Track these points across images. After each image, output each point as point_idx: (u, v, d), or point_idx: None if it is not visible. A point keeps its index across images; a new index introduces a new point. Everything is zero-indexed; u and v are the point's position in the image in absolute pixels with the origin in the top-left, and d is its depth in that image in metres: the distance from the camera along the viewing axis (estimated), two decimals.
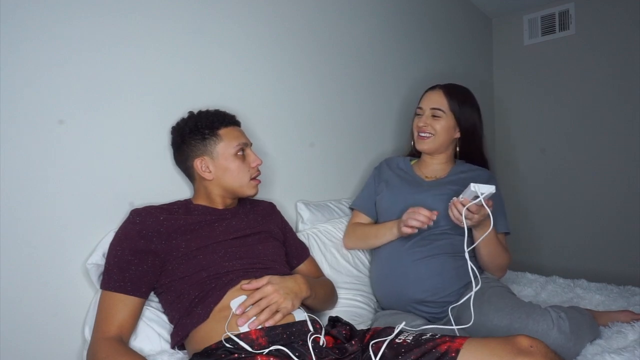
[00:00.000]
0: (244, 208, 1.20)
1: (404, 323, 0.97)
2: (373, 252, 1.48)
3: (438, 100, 1.43)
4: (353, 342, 0.93)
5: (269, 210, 1.27)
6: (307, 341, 0.88)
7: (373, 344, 0.91)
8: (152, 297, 1.03)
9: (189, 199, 1.16)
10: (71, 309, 0.98)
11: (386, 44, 2.01)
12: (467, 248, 1.11)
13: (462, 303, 1.17)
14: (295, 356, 0.84)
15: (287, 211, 1.50)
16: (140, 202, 1.10)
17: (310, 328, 0.93)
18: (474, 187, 1.06)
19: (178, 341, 0.96)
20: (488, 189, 1.06)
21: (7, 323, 0.89)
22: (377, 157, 1.87)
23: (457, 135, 1.46)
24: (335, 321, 1.03)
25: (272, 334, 0.88)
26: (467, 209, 1.10)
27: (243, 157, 1.12)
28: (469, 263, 1.08)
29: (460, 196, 1.12)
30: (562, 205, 2.69)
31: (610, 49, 2.49)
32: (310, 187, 1.63)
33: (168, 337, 1.00)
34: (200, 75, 1.27)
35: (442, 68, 2.39)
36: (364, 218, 1.50)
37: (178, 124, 1.14)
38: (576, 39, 2.61)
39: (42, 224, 0.95)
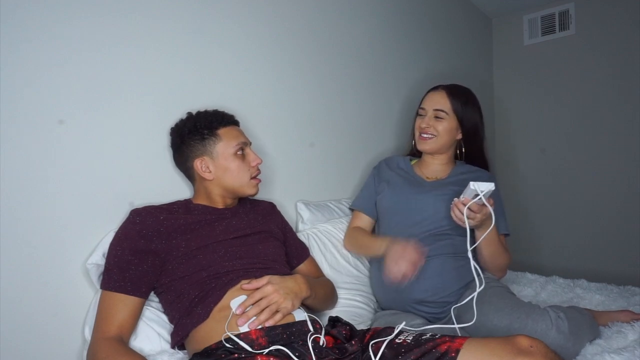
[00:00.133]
0: (244, 207, 1.20)
1: (404, 323, 0.97)
2: None
3: (441, 101, 1.43)
4: (353, 342, 0.93)
5: (269, 210, 1.27)
6: (307, 341, 0.88)
7: (373, 344, 0.91)
8: (152, 297, 1.03)
9: (189, 199, 1.16)
10: (71, 309, 0.98)
11: (386, 44, 2.01)
12: (470, 247, 1.11)
13: (463, 303, 1.17)
14: (295, 356, 0.84)
15: (287, 211, 1.50)
16: (140, 202, 1.10)
17: (310, 328, 0.93)
18: (473, 185, 1.06)
19: (178, 341, 0.96)
20: (487, 187, 1.05)
21: (7, 323, 0.89)
22: (377, 157, 1.87)
23: (459, 136, 1.46)
24: (335, 321, 1.03)
25: (272, 334, 0.88)
26: (469, 208, 1.10)
27: (243, 157, 1.12)
28: (472, 262, 1.08)
29: (461, 196, 1.12)
30: (562, 205, 2.69)
31: (610, 49, 2.49)
32: (310, 187, 1.63)
33: (168, 337, 1.00)
34: (200, 75, 1.27)
35: (442, 68, 2.39)
36: (364, 218, 1.50)
37: (177, 125, 1.14)
38: (576, 39, 2.61)
39: (42, 224, 0.95)
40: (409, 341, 0.90)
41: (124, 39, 1.09)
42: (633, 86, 2.41)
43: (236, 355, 0.82)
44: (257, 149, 1.31)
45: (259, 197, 1.24)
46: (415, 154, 1.58)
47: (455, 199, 1.14)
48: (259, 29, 1.44)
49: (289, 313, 0.95)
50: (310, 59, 1.63)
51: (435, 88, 1.49)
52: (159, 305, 1.04)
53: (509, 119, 2.90)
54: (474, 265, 1.07)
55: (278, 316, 0.92)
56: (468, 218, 1.11)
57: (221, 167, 1.10)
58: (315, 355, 0.85)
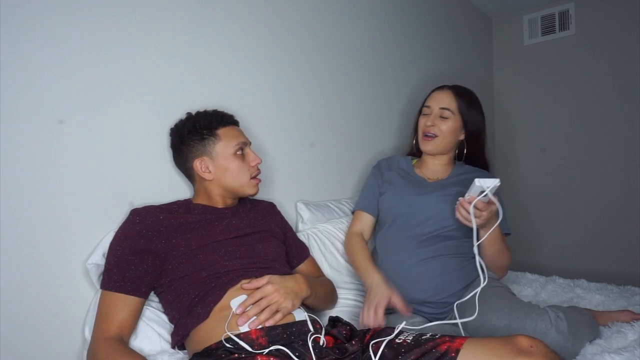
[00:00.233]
0: (244, 207, 1.20)
1: (404, 323, 0.97)
2: (373, 252, 1.47)
3: (447, 100, 1.43)
4: (353, 342, 0.92)
5: (269, 210, 1.27)
6: (307, 341, 0.88)
7: (373, 344, 0.91)
8: (152, 297, 1.03)
9: (189, 199, 1.16)
10: (71, 309, 0.98)
11: (386, 44, 2.01)
12: (476, 242, 1.10)
13: (465, 300, 1.17)
14: (296, 356, 0.84)
15: (287, 211, 1.50)
16: (140, 202, 1.10)
17: (311, 328, 0.93)
18: (478, 182, 1.05)
19: (178, 341, 0.96)
20: (493, 182, 1.05)
21: (7, 323, 0.89)
22: (377, 156, 1.87)
23: (462, 137, 1.46)
24: (335, 321, 1.03)
25: (272, 333, 0.88)
26: (475, 206, 1.09)
27: (242, 157, 1.12)
28: (477, 258, 1.07)
29: (466, 194, 1.11)
30: (562, 205, 2.69)
31: (610, 49, 2.49)
32: (310, 187, 1.63)
33: (168, 337, 1.00)
34: (200, 75, 1.27)
35: (442, 68, 2.39)
36: (365, 217, 1.49)
37: (176, 125, 1.14)
38: (576, 39, 2.61)
39: (42, 224, 0.95)
40: (409, 341, 0.90)
41: (124, 39, 1.09)
42: (633, 86, 2.41)
43: (236, 355, 0.82)
44: (257, 149, 1.31)
45: (259, 197, 1.24)
46: (416, 153, 1.57)
47: (460, 198, 1.13)
48: (259, 29, 1.44)
49: (289, 313, 0.95)
50: (310, 59, 1.63)
51: (440, 87, 1.48)
52: (159, 305, 1.04)
53: (509, 119, 2.90)
54: (479, 261, 1.07)
55: (278, 316, 0.92)
56: (474, 217, 1.10)
57: (221, 167, 1.09)
58: (315, 355, 0.85)
